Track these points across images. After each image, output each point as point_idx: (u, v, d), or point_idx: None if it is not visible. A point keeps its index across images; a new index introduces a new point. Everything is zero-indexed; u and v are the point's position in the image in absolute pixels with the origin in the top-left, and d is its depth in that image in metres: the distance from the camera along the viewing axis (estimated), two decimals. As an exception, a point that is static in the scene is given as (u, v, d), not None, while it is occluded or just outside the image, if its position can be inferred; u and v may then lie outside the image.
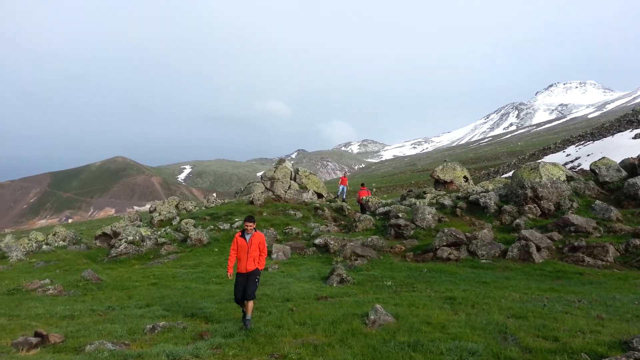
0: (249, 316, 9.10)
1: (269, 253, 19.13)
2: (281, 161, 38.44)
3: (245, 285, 9.23)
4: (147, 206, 48.55)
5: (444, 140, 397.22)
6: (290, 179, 35.42)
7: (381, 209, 24.42)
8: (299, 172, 37.05)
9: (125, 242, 22.47)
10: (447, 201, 23.07)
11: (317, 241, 19.97)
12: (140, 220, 31.98)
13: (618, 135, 56.48)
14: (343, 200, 34.46)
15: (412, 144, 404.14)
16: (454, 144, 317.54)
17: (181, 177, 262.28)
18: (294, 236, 22.54)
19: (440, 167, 32.66)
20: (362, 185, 30.98)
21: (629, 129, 58.05)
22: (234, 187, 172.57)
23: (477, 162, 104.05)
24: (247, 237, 9.40)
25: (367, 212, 26.13)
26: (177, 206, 32.43)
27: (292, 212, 27.57)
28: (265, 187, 34.16)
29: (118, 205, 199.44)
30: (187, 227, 24.94)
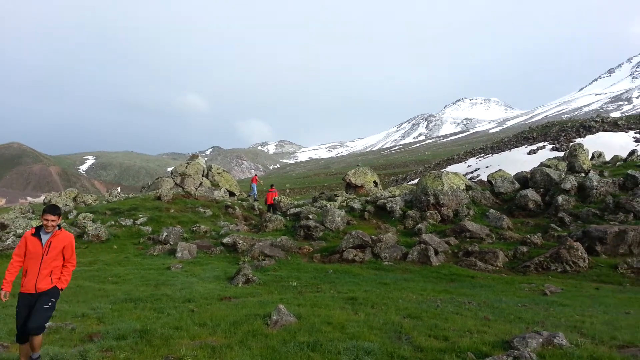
0: (36, 355, 6.19)
1: (174, 252, 18.39)
2: (194, 157, 37.35)
3: (31, 312, 6.05)
4: (42, 197, 45.10)
5: (359, 145, 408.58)
6: (203, 176, 34.53)
7: (292, 210, 24.53)
8: (212, 169, 36.22)
9: (14, 235, 20.60)
10: (356, 204, 23.66)
11: (225, 240, 19.58)
12: (33, 213, 29.49)
13: (515, 150, 61.54)
14: (255, 200, 34.20)
15: (327, 147, 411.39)
16: (367, 150, 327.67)
17: (83, 167, 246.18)
18: (201, 234, 21.94)
19: (353, 171, 33.52)
20: (272, 186, 31.10)
21: (524, 144, 63.47)
22: (141, 182, 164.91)
23: (387, 168, 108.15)
24: (45, 237, 6.14)
25: (278, 213, 26.13)
26: (75, 199, 30.34)
27: (201, 209, 26.86)
28: (175, 183, 33.00)
29: (10, 195, 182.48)
30: (84, 222, 23.36)
